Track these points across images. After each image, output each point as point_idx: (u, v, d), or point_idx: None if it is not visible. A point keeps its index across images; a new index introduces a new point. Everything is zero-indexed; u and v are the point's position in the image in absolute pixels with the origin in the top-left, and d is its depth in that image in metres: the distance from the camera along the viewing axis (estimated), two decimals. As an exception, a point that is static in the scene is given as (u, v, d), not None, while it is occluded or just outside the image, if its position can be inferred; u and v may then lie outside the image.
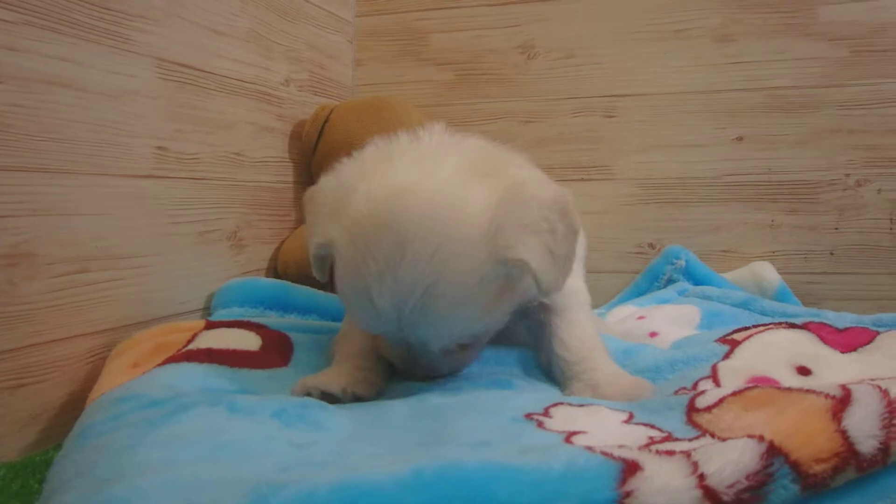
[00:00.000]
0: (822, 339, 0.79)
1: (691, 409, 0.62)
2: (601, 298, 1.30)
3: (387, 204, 0.62)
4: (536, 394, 0.71)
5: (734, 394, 0.61)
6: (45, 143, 0.79)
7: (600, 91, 1.35)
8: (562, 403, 0.67)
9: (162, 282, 0.96)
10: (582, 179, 1.35)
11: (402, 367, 0.74)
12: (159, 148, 0.96)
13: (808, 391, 0.57)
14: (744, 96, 1.26)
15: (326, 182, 0.71)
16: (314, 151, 1.28)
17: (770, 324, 0.86)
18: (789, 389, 0.58)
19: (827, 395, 0.55)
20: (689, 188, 1.30)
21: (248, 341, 0.83)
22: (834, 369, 0.72)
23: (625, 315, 1.14)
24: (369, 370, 0.74)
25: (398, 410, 0.65)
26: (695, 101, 1.29)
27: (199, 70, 1.03)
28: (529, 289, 0.69)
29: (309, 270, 1.16)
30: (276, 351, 0.83)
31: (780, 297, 1.15)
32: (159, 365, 0.74)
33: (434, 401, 0.67)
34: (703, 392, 0.64)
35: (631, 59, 1.33)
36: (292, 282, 1.16)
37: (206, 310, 1.04)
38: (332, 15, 1.42)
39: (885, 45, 1.19)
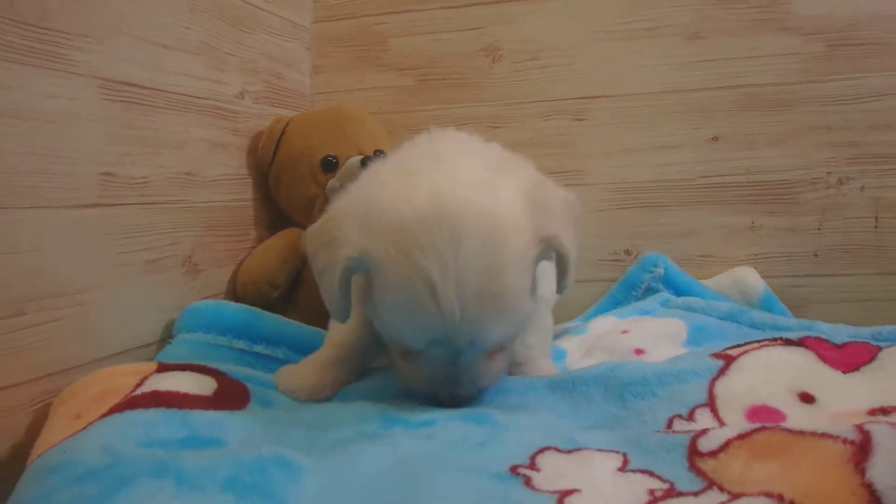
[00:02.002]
0: (822, 357, 0.74)
1: (693, 453, 0.57)
2: (577, 308, 1.24)
3: (432, 205, 0.65)
4: (517, 433, 0.65)
5: (740, 436, 0.56)
6: (-27, 178, 0.73)
7: (569, 93, 1.29)
8: (548, 448, 0.60)
9: (110, 317, 0.90)
10: (554, 186, 1.29)
11: (435, 389, 0.73)
12: (106, 174, 0.90)
13: (822, 435, 0.52)
14: (718, 95, 1.21)
15: (342, 205, 0.73)
16: (271, 165, 1.23)
17: (764, 340, 0.81)
18: (802, 433, 0.53)
19: (845, 441, 0.50)
20: (665, 191, 1.25)
21: (202, 385, 0.76)
22: (839, 394, 0.67)
23: (607, 329, 1.08)
24: (345, 365, 0.84)
25: (368, 464, 0.58)
26: (668, 101, 1.24)
27: (145, 88, 0.97)
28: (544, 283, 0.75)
29: (270, 291, 1.17)
30: (230, 397, 0.76)
31: (765, 303, 1.11)
32: (103, 415, 0.67)
33: (406, 448, 0.61)
34: (704, 432, 0.58)
35: (600, 60, 1.27)
36: (250, 302, 1.12)
37: (163, 341, 0.99)
38: (288, 22, 1.35)
39: (862, 38, 1.14)
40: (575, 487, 0.53)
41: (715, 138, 1.22)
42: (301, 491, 0.54)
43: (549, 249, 0.70)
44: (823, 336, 0.81)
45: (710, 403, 0.68)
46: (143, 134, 0.97)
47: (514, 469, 0.56)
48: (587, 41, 1.28)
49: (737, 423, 0.64)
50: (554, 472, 0.56)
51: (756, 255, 1.21)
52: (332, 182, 1.18)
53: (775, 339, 0.80)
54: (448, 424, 0.66)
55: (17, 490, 0.59)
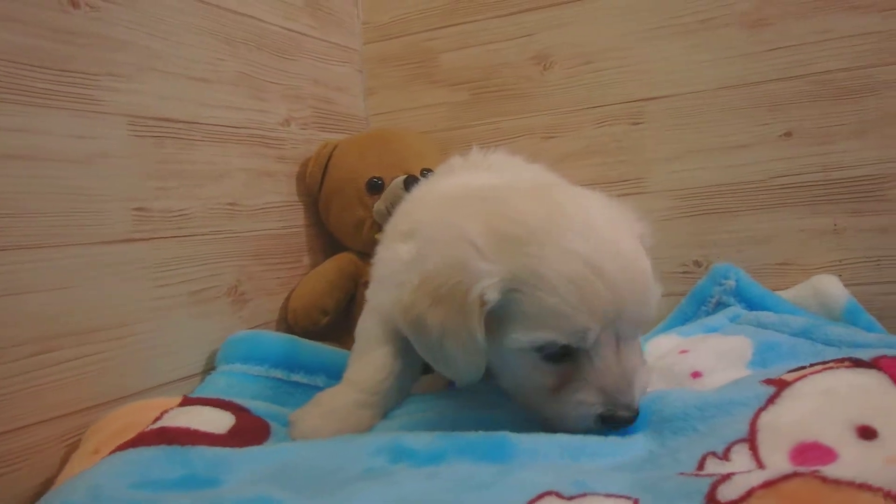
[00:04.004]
0: (896, 381, 0.64)
1: (711, 502, 0.49)
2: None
3: (550, 209, 0.67)
4: (525, 473, 0.59)
5: (766, 484, 0.48)
6: (4, 220, 0.75)
7: (624, 97, 1.22)
8: (549, 493, 0.54)
9: (150, 350, 0.91)
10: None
11: (612, 406, 0.66)
12: (138, 209, 0.91)
13: (861, 486, 0.43)
14: (787, 86, 1.10)
15: (431, 269, 0.68)
16: (320, 190, 1.23)
17: (830, 361, 0.71)
18: (837, 482, 0.44)
19: (887, 495, 0.41)
20: (735, 195, 1.15)
21: (218, 422, 0.75)
22: (908, 428, 0.57)
23: (667, 348, 0.99)
24: (368, 410, 0.76)
25: None
26: (731, 96, 1.14)
27: (181, 122, 0.98)
28: None
29: (319, 317, 1.14)
30: (247, 434, 0.74)
31: (849, 315, 0.98)
32: (111, 452, 0.66)
33: (406, 489, 0.57)
34: (728, 477, 0.51)
35: (654, 59, 1.19)
36: (302, 329, 1.12)
37: (207, 373, 0.98)
38: (336, 46, 1.36)
39: (952, 7, 1.01)
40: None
41: (787, 134, 1.11)
42: None
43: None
44: (906, 354, 0.70)
45: (751, 439, 0.60)
46: (180, 167, 0.97)
47: None
48: (639, 41, 1.21)
49: (778, 463, 0.56)
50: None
51: (840, 260, 1.09)
52: (378, 204, 1.17)
53: (842, 360, 0.70)
54: (457, 460, 0.63)
55: None
